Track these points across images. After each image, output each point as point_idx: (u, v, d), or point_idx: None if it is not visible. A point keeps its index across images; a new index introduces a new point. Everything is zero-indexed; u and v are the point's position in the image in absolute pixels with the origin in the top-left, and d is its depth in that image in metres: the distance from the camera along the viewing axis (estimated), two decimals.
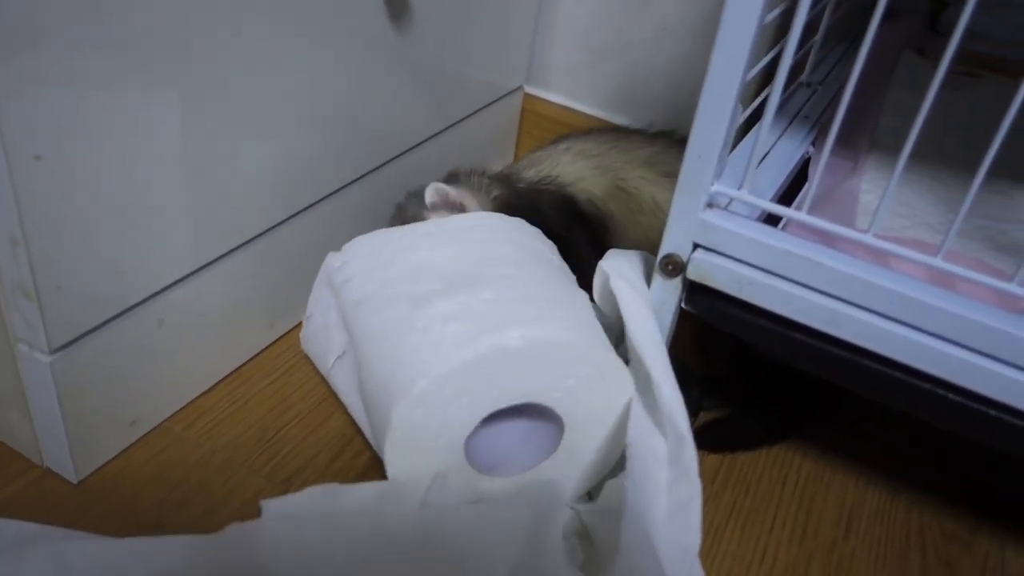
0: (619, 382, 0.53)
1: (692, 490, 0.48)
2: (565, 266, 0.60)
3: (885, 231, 0.57)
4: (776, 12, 0.47)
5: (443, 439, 0.50)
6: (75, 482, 0.54)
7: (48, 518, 0.51)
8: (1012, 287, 0.43)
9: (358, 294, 0.55)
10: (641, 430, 0.51)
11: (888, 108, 0.73)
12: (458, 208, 0.67)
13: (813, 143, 0.66)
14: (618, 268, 0.55)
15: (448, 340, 0.49)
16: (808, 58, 0.72)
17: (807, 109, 0.69)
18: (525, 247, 0.59)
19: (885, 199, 0.62)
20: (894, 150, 0.65)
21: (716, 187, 0.48)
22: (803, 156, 0.64)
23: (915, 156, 0.64)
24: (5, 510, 0.52)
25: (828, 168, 0.64)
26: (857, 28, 0.88)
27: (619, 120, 0.91)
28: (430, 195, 0.66)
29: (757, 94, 0.57)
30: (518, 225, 0.62)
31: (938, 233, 0.58)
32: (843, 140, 0.66)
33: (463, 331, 0.49)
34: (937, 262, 0.44)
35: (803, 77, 0.73)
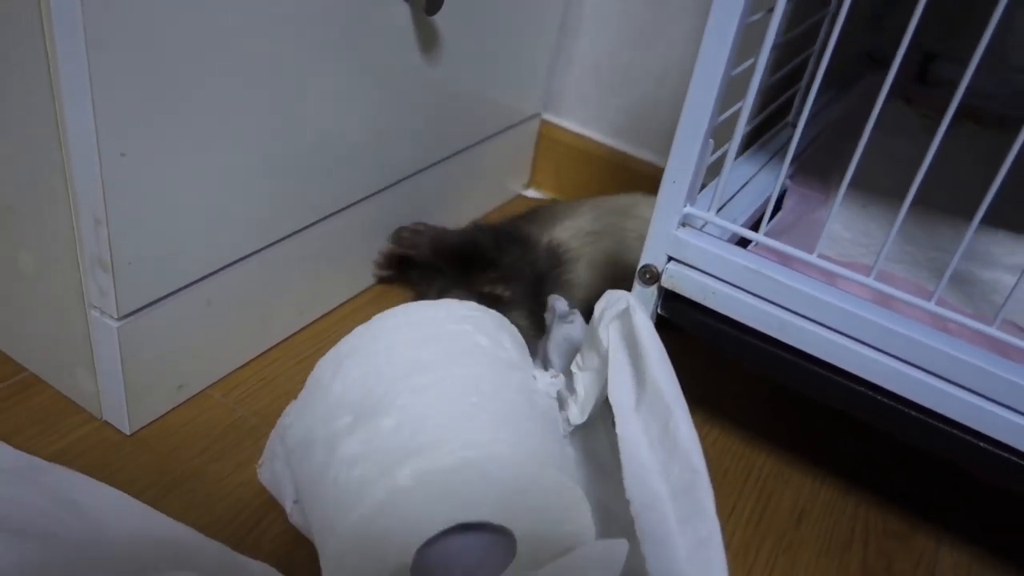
0: (545, 482, 0.48)
1: (710, 527, 0.46)
2: (498, 342, 0.54)
3: (843, 256, 0.65)
4: (746, 65, 0.55)
5: (388, 572, 0.48)
6: (128, 433, 0.62)
7: (103, 462, 0.60)
8: (929, 305, 0.50)
9: (292, 442, 0.53)
10: (639, 480, 0.48)
11: (869, 151, 0.81)
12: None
13: (790, 177, 0.74)
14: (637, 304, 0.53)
15: (352, 488, 0.46)
16: (794, 100, 0.80)
17: (789, 146, 0.77)
18: (440, 339, 0.53)
19: (849, 231, 0.70)
20: (864, 188, 0.73)
21: (688, 209, 0.56)
22: (782, 189, 0.71)
23: (882, 193, 0.73)
24: (67, 453, 0.60)
25: (801, 200, 0.72)
26: (849, 75, 0.96)
27: (627, 148, 0.99)
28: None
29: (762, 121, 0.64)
30: (434, 313, 0.55)
31: (892, 261, 0.65)
32: (818, 176, 0.74)
33: (364, 474, 0.46)
34: (870, 281, 0.52)
35: (789, 118, 0.81)
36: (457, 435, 0.46)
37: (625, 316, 0.53)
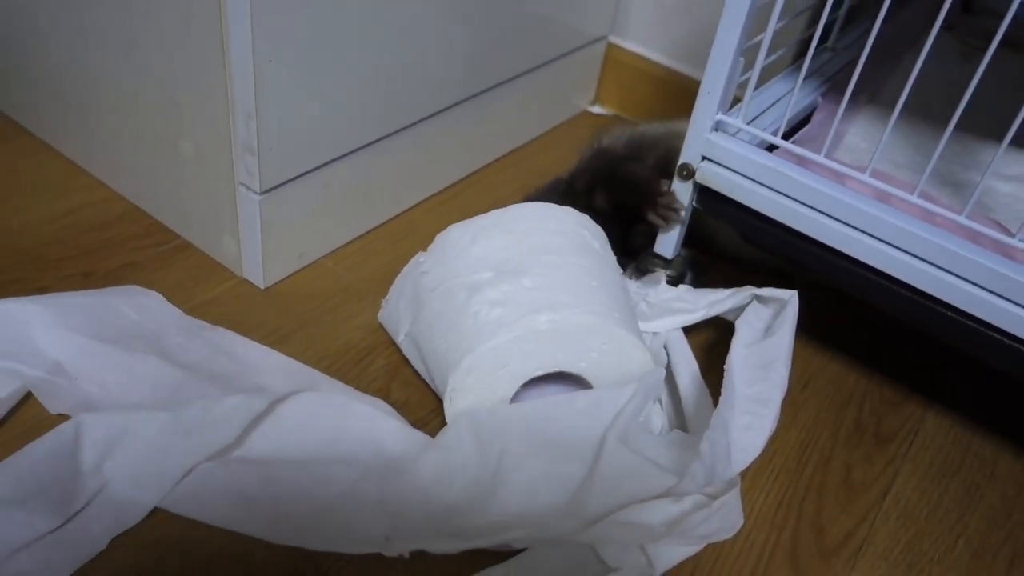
0: (635, 354, 0.65)
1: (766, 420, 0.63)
2: (605, 250, 0.71)
3: (856, 163, 0.75)
4: None
5: (492, 401, 0.64)
6: (262, 288, 0.79)
7: (243, 310, 0.76)
8: (911, 197, 0.61)
9: (431, 283, 0.67)
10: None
11: (900, 72, 0.89)
12: None
13: (822, 95, 0.83)
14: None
15: (492, 322, 0.61)
16: (834, 27, 0.89)
17: (825, 68, 0.87)
18: (567, 235, 0.69)
19: (865, 142, 0.79)
20: (888, 106, 0.82)
21: (719, 116, 0.68)
22: (813, 103, 0.82)
23: (904, 111, 0.82)
24: (216, 302, 0.77)
25: (828, 115, 0.82)
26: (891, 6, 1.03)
27: (686, 69, 1.09)
28: None
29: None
30: (564, 215, 0.70)
31: (899, 167, 0.75)
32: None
33: (505, 314, 0.61)
34: (865, 177, 0.63)
35: (829, 43, 0.90)
36: (583, 303, 0.62)
37: (780, 306, 0.69)
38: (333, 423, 0.63)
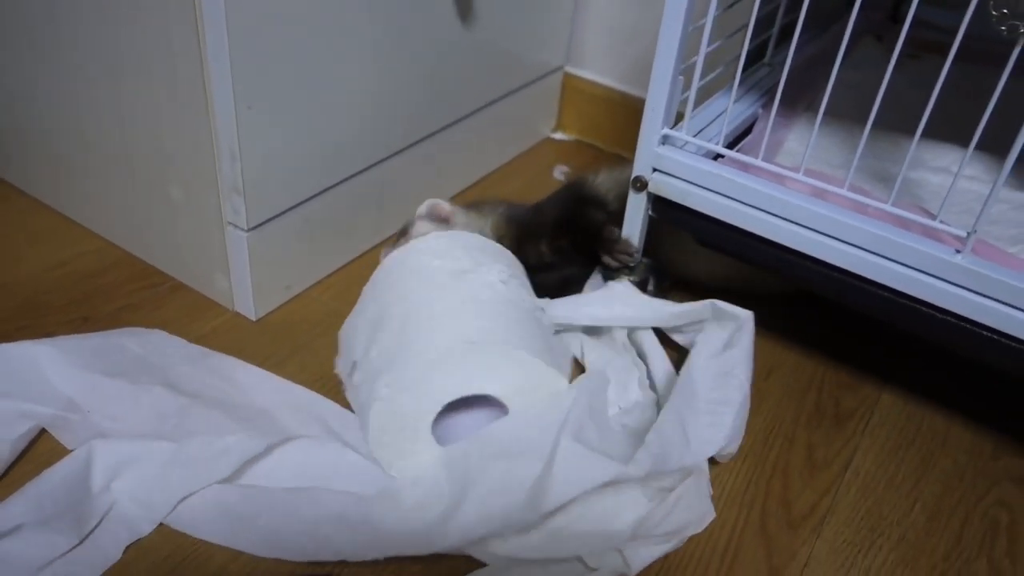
0: (539, 372, 0.65)
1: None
2: (455, 259, 0.71)
3: (796, 166, 0.82)
4: (699, 23, 0.72)
5: (411, 417, 0.65)
6: (254, 320, 0.84)
7: (238, 340, 0.81)
8: (841, 191, 0.68)
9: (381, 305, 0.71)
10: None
11: (836, 81, 0.96)
12: (444, 222, 0.81)
13: (762, 107, 0.90)
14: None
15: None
16: (768, 44, 0.96)
17: (764, 81, 0.94)
18: (410, 274, 0.71)
19: (802, 145, 0.86)
20: (826, 114, 0.89)
21: (666, 131, 0.74)
22: (755, 115, 0.88)
23: (841, 117, 0.89)
24: (212, 335, 0.81)
25: (767, 123, 0.89)
26: (827, 16, 1.11)
27: (637, 92, 1.16)
28: (424, 207, 0.82)
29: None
30: (403, 256, 0.73)
31: (835, 167, 0.82)
32: (785, 104, 0.91)
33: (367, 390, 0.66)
34: (799, 176, 0.69)
35: (766, 58, 0.98)
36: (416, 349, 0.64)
37: (737, 324, 0.74)
38: (325, 466, 0.67)
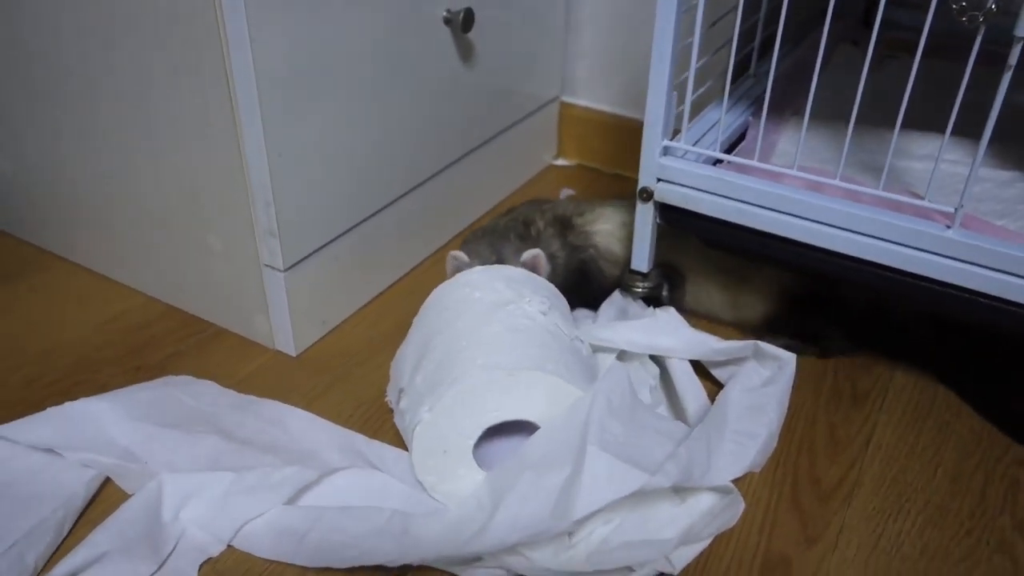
0: (564, 392, 0.68)
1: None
2: (496, 291, 0.74)
3: (789, 165, 0.87)
4: (687, 41, 0.78)
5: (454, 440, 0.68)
6: (295, 356, 0.89)
7: (281, 376, 0.86)
8: (834, 181, 0.73)
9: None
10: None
11: (819, 86, 1.02)
12: (534, 269, 0.84)
13: (752, 115, 0.96)
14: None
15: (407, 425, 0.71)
16: (752, 56, 1.03)
17: (751, 91, 0.99)
18: (455, 304, 0.75)
19: (792, 146, 0.91)
20: (812, 117, 0.95)
21: (666, 142, 0.80)
22: (746, 122, 0.94)
23: (827, 118, 0.94)
24: (256, 374, 0.86)
25: (757, 129, 0.95)
26: (805, 28, 1.17)
27: (631, 113, 1.23)
28: (528, 256, 0.85)
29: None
30: (448, 288, 0.77)
31: (826, 163, 0.87)
32: (773, 111, 0.97)
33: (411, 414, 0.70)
34: (794, 172, 0.75)
35: (751, 70, 1.04)
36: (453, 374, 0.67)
37: (778, 364, 0.78)
38: (373, 492, 0.71)
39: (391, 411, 0.80)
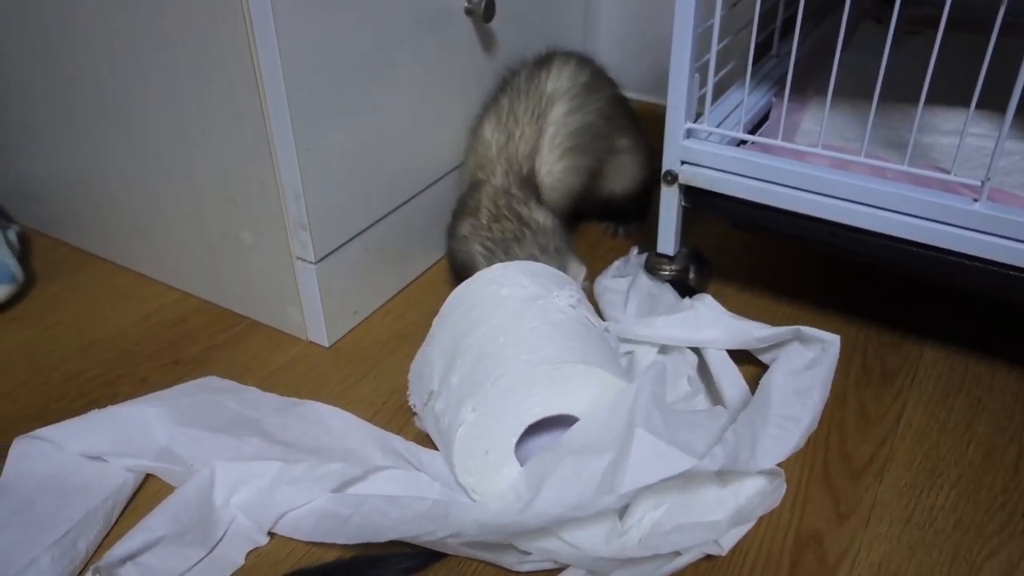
0: (608, 384, 0.68)
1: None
2: (523, 287, 0.75)
3: (813, 144, 0.87)
4: (707, 24, 0.78)
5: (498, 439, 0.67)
6: (328, 346, 0.90)
7: (315, 367, 0.88)
8: (859, 158, 0.73)
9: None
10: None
11: (840, 65, 1.02)
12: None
13: (775, 95, 0.96)
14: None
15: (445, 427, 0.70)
16: (774, 36, 1.02)
17: (774, 72, 0.99)
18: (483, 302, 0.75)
19: (817, 124, 0.91)
20: (835, 96, 0.95)
21: (689, 125, 0.80)
22: (769, 103, 0.94)
23: (850, 96, 0.94)
24: (290, 365, 0.88)
25: (780, 109, 0.94)
26: (827, 7, 1.16)
27: (655, 99, 1.23)
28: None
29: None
30: (475, 284, 0.77)
31: (850, 140, 0.87)
32: (797, 90, 0.96)
33: (450, 415, 0.69)
34: (817, 150, 0.75)
35: (773, 50, 1.04)
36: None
37: (822, 347, 0.78)
38: (416, 489, 0.71)
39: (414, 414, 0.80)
